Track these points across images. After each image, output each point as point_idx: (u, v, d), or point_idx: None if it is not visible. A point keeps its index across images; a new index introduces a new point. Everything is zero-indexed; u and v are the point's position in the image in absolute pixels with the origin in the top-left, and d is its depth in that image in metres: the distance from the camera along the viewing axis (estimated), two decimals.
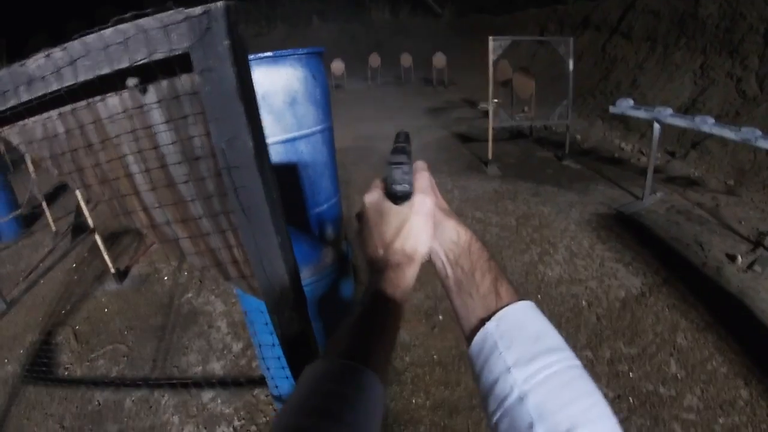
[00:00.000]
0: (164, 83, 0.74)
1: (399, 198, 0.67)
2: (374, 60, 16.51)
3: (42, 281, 4.62)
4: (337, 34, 22.72)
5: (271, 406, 2.85)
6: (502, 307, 0.59)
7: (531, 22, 14.93)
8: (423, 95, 14.43)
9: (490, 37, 6.48)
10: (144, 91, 0.76)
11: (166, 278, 4.48)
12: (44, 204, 5.59)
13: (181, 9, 0.65)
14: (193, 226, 0.92)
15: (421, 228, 0.68)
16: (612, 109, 5.73)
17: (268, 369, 1.87)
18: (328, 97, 2.21)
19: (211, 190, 0.86)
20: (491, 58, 6.52)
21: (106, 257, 4.25)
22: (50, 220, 5.73)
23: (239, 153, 0.76)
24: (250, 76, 0.74)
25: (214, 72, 0.67)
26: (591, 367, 3.05)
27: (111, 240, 5.01)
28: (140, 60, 0.68)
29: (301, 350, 1.11)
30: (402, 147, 0.73)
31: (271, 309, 1.00)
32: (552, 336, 0.56)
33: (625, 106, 5.54)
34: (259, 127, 0.78)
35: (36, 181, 5.25)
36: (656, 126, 5.20)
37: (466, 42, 17.92)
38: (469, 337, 0.61)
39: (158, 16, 0.66)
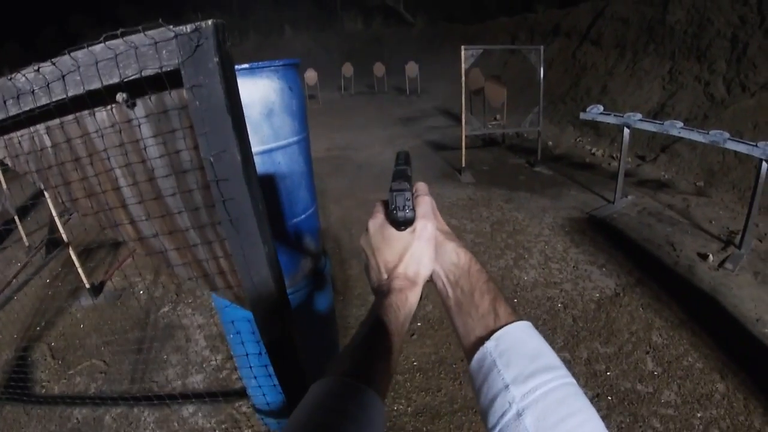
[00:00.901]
0: (153, 98, 0.76)
1: (401, 224, 0.69)
2: (347, 69, 16.58)
3: (16, 297, 4.52)
4: (310, 44, 22.77)
5: (253, 418, 2.83)
6: (500, 327, 0.61)
7: (502, 31, 15.13)
8: (396, 104, 14.51)
9: (463, 47, 6.56)
10: (133, 105, 0.77)
11: (141, 292, 4.42)
12: (17, 218, 5.47)
13: (171, 26, 0.66)
14: (180, 238, 0.93)
15: (423, 252, 0.70)
16: (582, 116, 5.82)
17: (254, 378, 1.87)
18: (304, 108, 2.23)
19: (199, 202, 0.87)
20: (463, 67, 6.59)
21: (81, 272, 4.18)
22: (23, 234, 5.60)
23: (227, 166, 0.77)
24: (238, 91, 0.76)
25: (203, 87, 0.69)
26: (569, 368, 3.08)
27: (85, 254, 4.93)
28: (131, 76, 0.69)
29: (288, 358, 1.13)
30: (403, 170, 0.74)
31: (258, 318, 1.01)
32: (548, 354, 0.58)
33: (595, 112, 5.64)
34: (246, 141, 0.79)
35: (8, 195, 5.14)
36: (626, 131, 5.31)
37: (438, 51, 18.08)
38: (469, 354, 0.63)
39: (149, 33, 0.67)
